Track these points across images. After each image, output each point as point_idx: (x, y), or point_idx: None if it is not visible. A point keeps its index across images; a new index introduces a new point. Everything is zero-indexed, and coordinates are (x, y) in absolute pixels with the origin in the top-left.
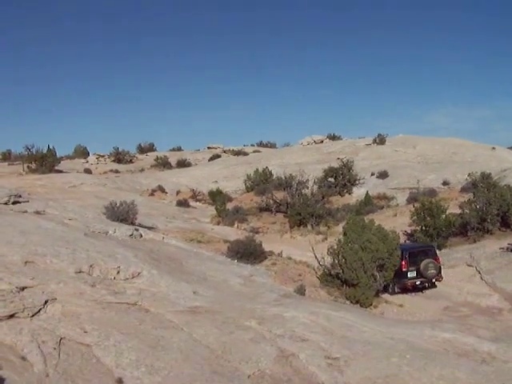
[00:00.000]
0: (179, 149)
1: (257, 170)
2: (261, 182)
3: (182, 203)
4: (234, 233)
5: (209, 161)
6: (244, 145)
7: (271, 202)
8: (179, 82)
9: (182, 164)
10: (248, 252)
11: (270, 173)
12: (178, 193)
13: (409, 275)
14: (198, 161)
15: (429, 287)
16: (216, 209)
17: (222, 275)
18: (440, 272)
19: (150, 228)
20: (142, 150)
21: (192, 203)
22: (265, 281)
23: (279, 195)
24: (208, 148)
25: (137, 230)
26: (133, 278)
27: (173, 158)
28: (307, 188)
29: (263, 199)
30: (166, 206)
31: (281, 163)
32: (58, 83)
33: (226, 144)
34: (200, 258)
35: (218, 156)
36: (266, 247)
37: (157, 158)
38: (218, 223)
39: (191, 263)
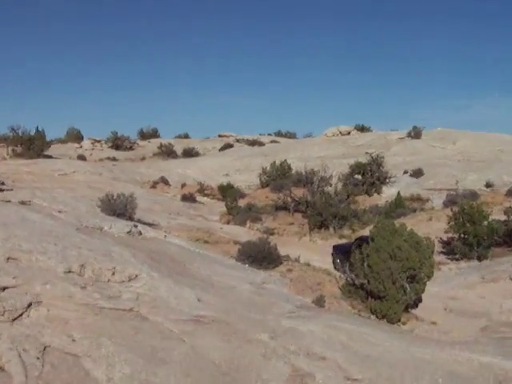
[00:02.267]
0: (186, 136)
1: (274, 162)
2: (278, 176)
3: (188, 198)
4: (246, 233)
5: (219, 151)
6: (260, 134)
7: (289, 199)
8: (188, 65)
9: (189, 153)
10: (261, 256)
11: (289, 166)
12: (183, 186)
13: None
14: (207, 150)
15: None
16: (226, 205)
17: (230, 281)
18: None
19: (150, 225)
20: (144, 135)
21: (199, 198)
22: (279, 289)
23: (298, 192)
24: (219, 136)
25: (136, 226)
26: (130, 280)
27: (178, 146)
28: (330, 185)
29: (280, 196)
30: (170, 200)
31: (301, 156)
32: (50, 60)
33: (239, 132)
34: (206, 261)
35: (230, 146)
36: (282, 251)
37: (160, 146)
38: (228, 222)
39: (196, 266)
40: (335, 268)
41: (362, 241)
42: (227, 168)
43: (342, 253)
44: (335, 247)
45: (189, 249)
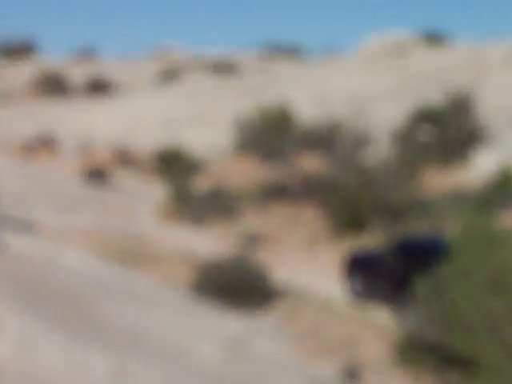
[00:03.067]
0: (91, 53)
1: (262, 106)
2: (270, 133)
3: (96, 175)
4: (208, 243)
5: (156, 83)
6: (235, 48)
7: (291, 177)
8: None
9: (98, 88)
10: (237, 286)
11: (290, 114)
12: (86, 152)
13: None
14: (132, 83)
15: None
16: (170, 189)
17: (177, 335)
18: None
19: (23, 228)
20: (10, 52)
21: (117, 176)
22: (273, 351)
23: (309, 163)
24: (155, 53)
25: None
26: None
27: (77, 75)
28: (371, 151)
29: (273, 170)
30: (61, 179)
31: (315, 93)
32: None
33: (194, 45)
34: (132, 299)
35: (177, 73)
36: (278, 275)
37: (42, 74)
38: (174, 221)
39: (112, 308)
40: (358, 298)
41: (409, 245)
42: (171, 117)
43: (366, 268)
44: (354, 259)
45: (97, 274)
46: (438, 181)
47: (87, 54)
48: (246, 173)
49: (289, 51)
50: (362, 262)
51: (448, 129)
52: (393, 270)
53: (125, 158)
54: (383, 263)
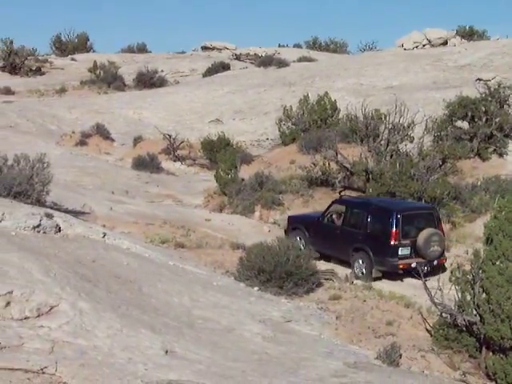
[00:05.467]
0: (143, 49)
1: (305, 98)
2: (313, 124)
3: (146, 164)
4: (254, 230)
5: (204, 76)
6: (280, 45)
7: (334, 167)
8: None
9: (148, 82)
10: (282, 272)
11: (334, 105)
12: (136, 142)
13: (400, 252)
14: (180, 75)
15: (429, 272)
16: (217, 178)
17: (225, 318)
18: (444, 251)
19: (77, 213)
20: (64, 48)
21: (167, 164)
22: (315, 333)
23: (350, 153)
24: (203, 49)
25: (50, 216)
26: (39, 316)
27: (128, 68)
28: (411, 141)
29: (317, 161)
30: (113, 167)
31: (356, 86)
32: None
33: (240, 42)
34: (181, 282)
35: (225, 66)
36: (322, 261)
37: (94, 68)
38: (221, 209)
39: (162, 291)
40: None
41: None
42: (218, 108)
43: (303, 228)
44: (292, 221)
45: (149, 258)
46: (475, 170)
47: (138, 50)
48: (289, 163)
49: (331, 46)
50: (299, 222)
51: (485, 121)
52: (325, 228)
53: (174, 148)
54: (317, 223)
